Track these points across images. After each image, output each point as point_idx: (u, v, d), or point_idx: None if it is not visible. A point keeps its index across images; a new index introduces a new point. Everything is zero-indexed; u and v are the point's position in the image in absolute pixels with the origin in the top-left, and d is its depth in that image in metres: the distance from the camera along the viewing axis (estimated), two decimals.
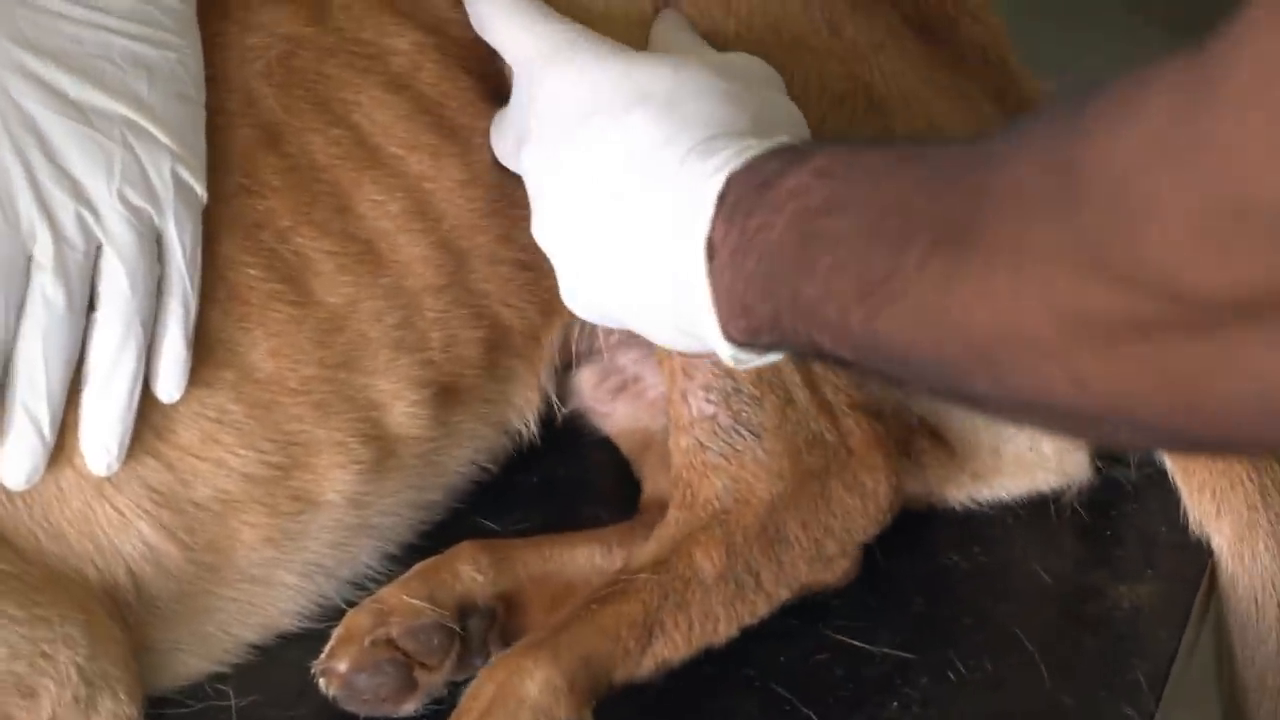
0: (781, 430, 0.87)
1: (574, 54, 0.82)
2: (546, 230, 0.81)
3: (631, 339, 0.92)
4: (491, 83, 0.91)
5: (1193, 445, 0.59)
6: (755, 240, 0.70)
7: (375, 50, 0.91)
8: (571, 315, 0.88)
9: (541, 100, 0.82)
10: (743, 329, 0.72)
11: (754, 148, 0.73)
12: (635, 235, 0.76)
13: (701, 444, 0.87)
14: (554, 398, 0.95)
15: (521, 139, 0.83)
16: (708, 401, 0.87)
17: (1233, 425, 0.56)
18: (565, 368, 0.97)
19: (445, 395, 0.90)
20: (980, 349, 0.61)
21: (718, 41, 0.88)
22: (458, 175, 0.90)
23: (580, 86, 0.80)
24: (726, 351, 0.73)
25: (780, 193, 0.69)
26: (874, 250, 0.65)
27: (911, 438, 0.94)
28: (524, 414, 0.95)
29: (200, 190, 0.83)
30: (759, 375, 0.86)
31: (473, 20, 0.88)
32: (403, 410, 0.89)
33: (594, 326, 0.92)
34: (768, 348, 0.73)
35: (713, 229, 0.72)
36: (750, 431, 0.87)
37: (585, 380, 0.97)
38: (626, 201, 0.76)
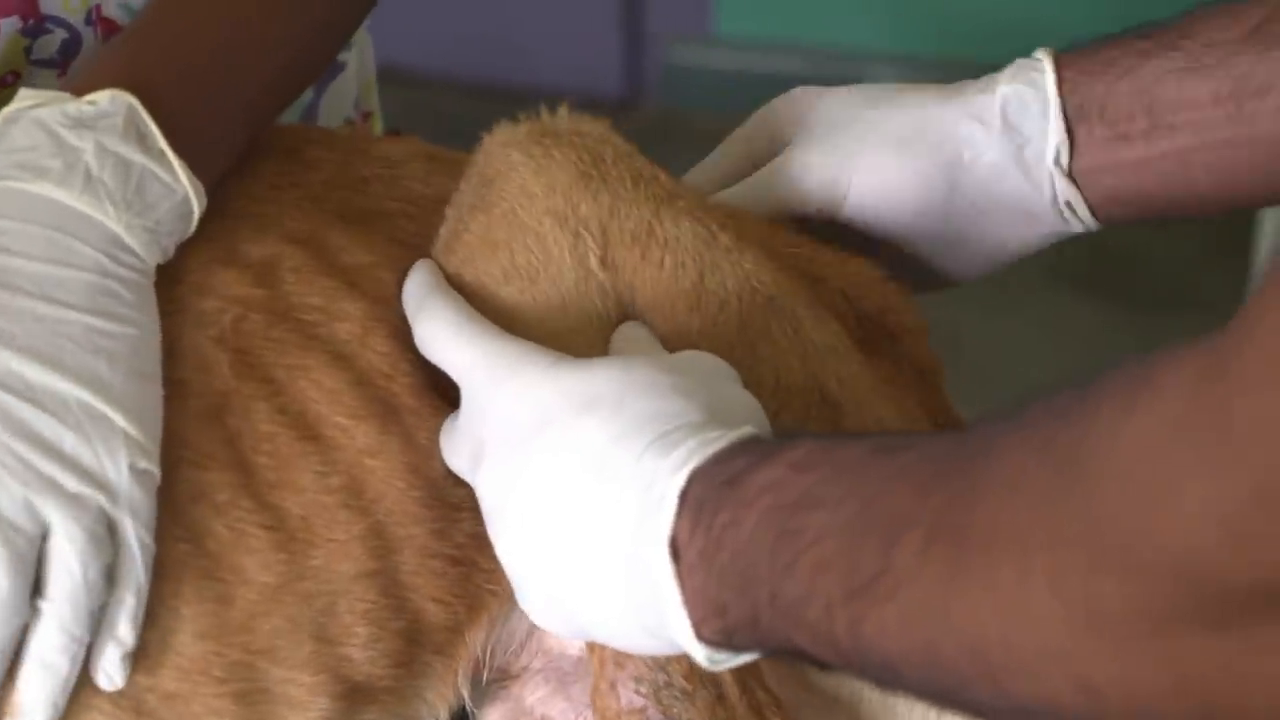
0: None
1: (519, 369, 0.81)
2: (510, 550, 0.79)
3: (539, 674, 0.92)
4: (436, 371, 0.89)
5: None
6: (724, 538, 0.68)
7: (324, 316, 0.90)
8: (499, 613, 0.88)
9: (492, 419, 0.81)
10: (717, 629, 0.70)
11: (716, 440, 0.72)
12: (597, 541, 0.74)
13: None
14: (469, 701, 0.92)
15: (476, 457, 0.82)
16: (638, 694, 0.84)
17: None
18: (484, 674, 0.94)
19: (358, 693, 0.88)
20: (981, 652, 0.59)
21: (684, 337, 0.88)
22: (401, 457, 0.88)
23: (529, 401, 0.79)
24: (701, 653, 0.71)
25: (751, 488, 0.68)
26: (862, 546, 0.63)
27: None
28: (436, 710, 0.91)
29: (156, 472, 0.82)
30: (692, 670, 0.84)
31: (416, 340, 0.88)
32: (317, 710, 0.86)
33: (510, 643, 0.91)
34: (743, 647, 0.71)
35: (676, 528, 0.70)
36: None
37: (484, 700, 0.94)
38: (585, 509, 0.75)
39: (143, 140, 0.86)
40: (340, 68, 1.21)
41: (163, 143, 0.86)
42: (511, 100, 1.00)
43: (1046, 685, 0.57)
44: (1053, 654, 0.56)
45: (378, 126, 1.30)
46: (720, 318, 0.89)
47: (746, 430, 0.73)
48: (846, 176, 0.96)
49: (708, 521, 0.69)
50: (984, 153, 0.94)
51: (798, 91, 1.01)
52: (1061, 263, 2.76)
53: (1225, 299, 2.53)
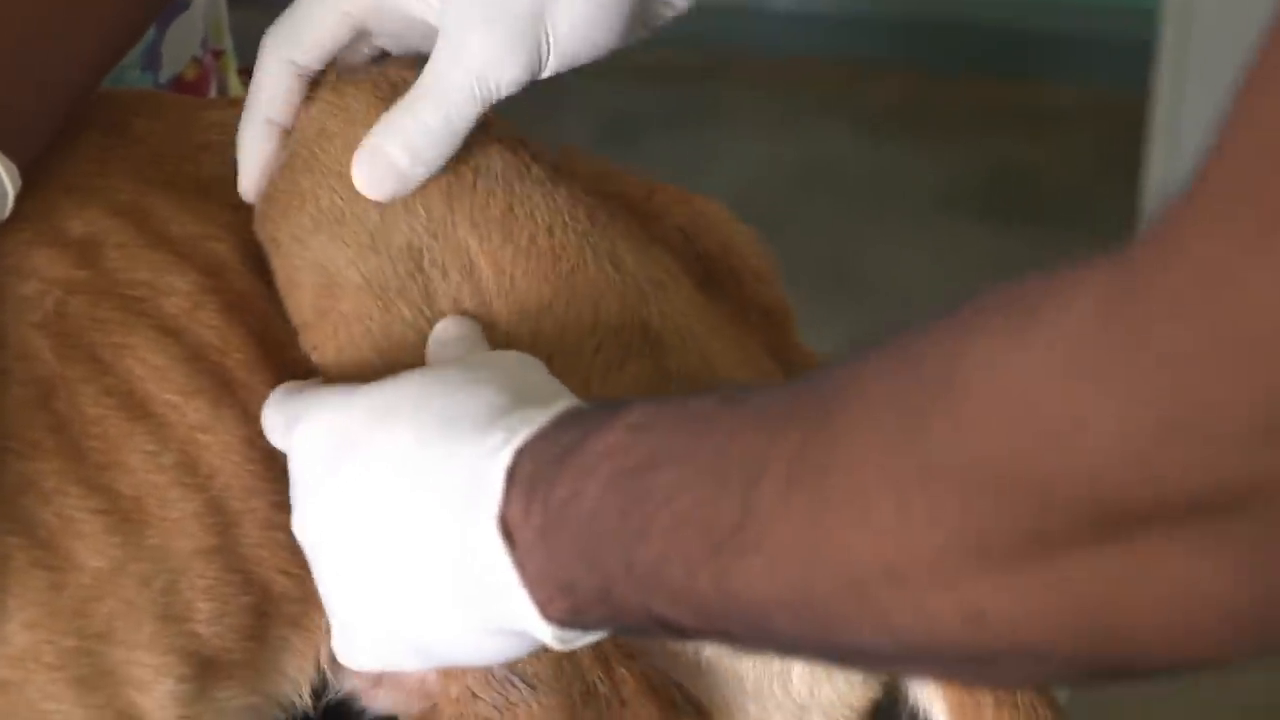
0: (558, 682, 0.84)
1: (314, 405, 0.79)
2: (332, 588, 0.77)
3: None
4: (270, 343, 0.89)
5: (1094, 673, 0.55)
6: (566, 512, 0.66)
7: (150, 291, 0.88)
8: None
9: (294, 462, 0.79)
10: (565, 609, 0.68)
11: (536, 417, 0.70)
12: (420, 546, 0.71)
13: (473, 693, 0.84)
14: (329, 672, 0.91)
15: (296, 501, 0.79)
16: None
17: (1147, 644, 0.53)
18: None
19: (210, 670, 0.87)
20: (861, 585, 0.57)
21: (499, 264, 0.86)
22: (237, 431, 0.87)
23: (330, 429, 0.77)
24: (549, 634, 0.69)
25: (589, 456, 0.66)
26: (717, 499, 0.61)
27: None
28: (298, 685, 0.90)
29: None
30: None
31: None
32: (166, 689, 0.85)
33: None
34: (594, 625, 0.69)
35: (506, 508, 0.68)
36: (526, 683, 0.84)
37: (346, 672, 0.92)
38: (403, 517, 0.72)
39: None
40: (183, 6, 1.19)
41: None
42: None
43: (932, 616, 0.56)
44: (938, 583, 0.55)
45: (231, 65, 1.28)
46: (532, 249, 0.87)
47: (565, 404, 0.71)
48: (544, 41, 0.85)
49: (543, 498, 0.67)
50: None
51: None
52: (955, 189, 2.77)
53: (1119, 215, 2.54)
